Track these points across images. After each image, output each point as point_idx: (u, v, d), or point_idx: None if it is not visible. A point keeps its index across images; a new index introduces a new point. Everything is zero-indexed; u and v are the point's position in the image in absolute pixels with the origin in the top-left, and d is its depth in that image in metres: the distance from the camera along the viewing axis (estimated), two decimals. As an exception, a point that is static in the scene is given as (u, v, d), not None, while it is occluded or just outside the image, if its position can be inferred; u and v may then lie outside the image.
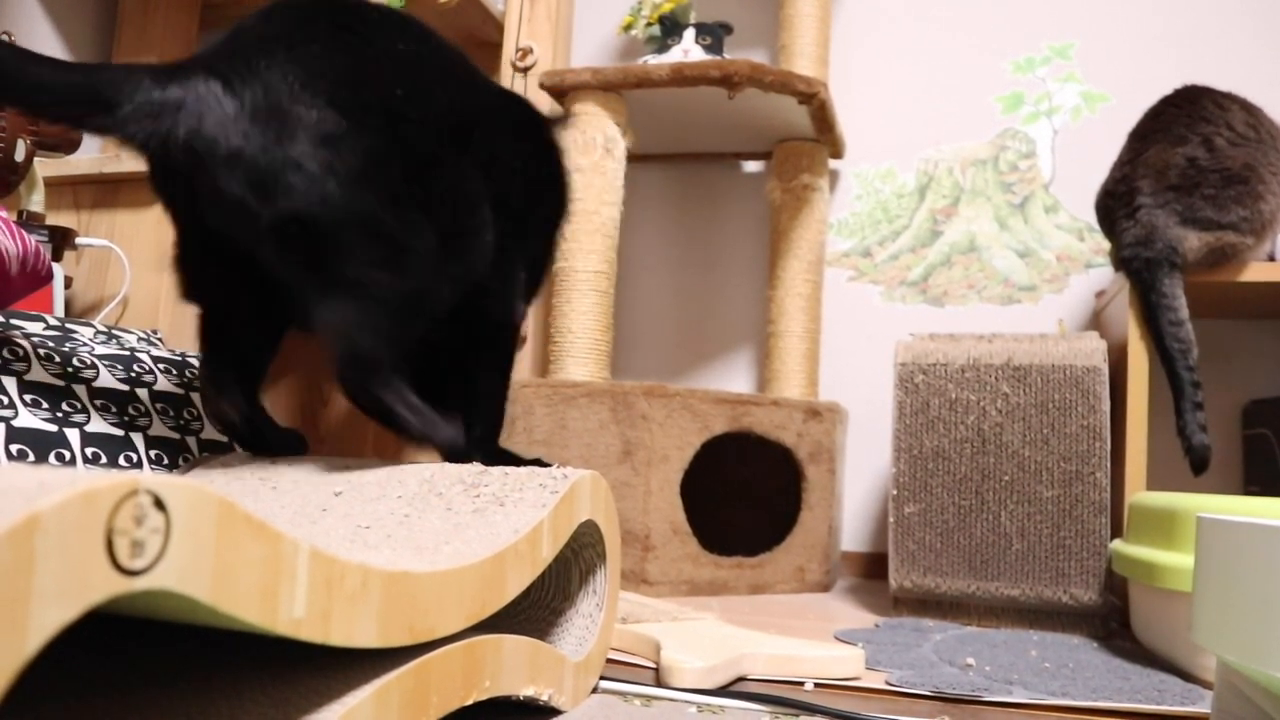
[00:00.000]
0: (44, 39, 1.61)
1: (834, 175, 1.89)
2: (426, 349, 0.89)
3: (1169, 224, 1.26)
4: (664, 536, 1.38)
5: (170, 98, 0.72)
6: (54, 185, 1.21)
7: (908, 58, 1.87)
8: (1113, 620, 1.25)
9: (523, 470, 0.73)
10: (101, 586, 0.33)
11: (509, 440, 1.46)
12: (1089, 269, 1.73)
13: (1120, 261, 1.29)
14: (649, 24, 1.69)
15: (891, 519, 1.28)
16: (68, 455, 0.82)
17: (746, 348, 1.91)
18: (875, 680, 0.88)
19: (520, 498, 0.69)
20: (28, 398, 0.82)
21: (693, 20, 1.69)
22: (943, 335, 1.33)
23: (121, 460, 0.86)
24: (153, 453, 0.90)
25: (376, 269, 0.78)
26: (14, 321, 0.94)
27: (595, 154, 1.55)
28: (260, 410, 0.87)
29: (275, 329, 0.89)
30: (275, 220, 0.74)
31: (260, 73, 0.75)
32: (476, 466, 0.75)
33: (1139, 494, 1.14)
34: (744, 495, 1.74)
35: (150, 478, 0.35)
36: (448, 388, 0.96)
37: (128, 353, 0.95)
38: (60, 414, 0.83)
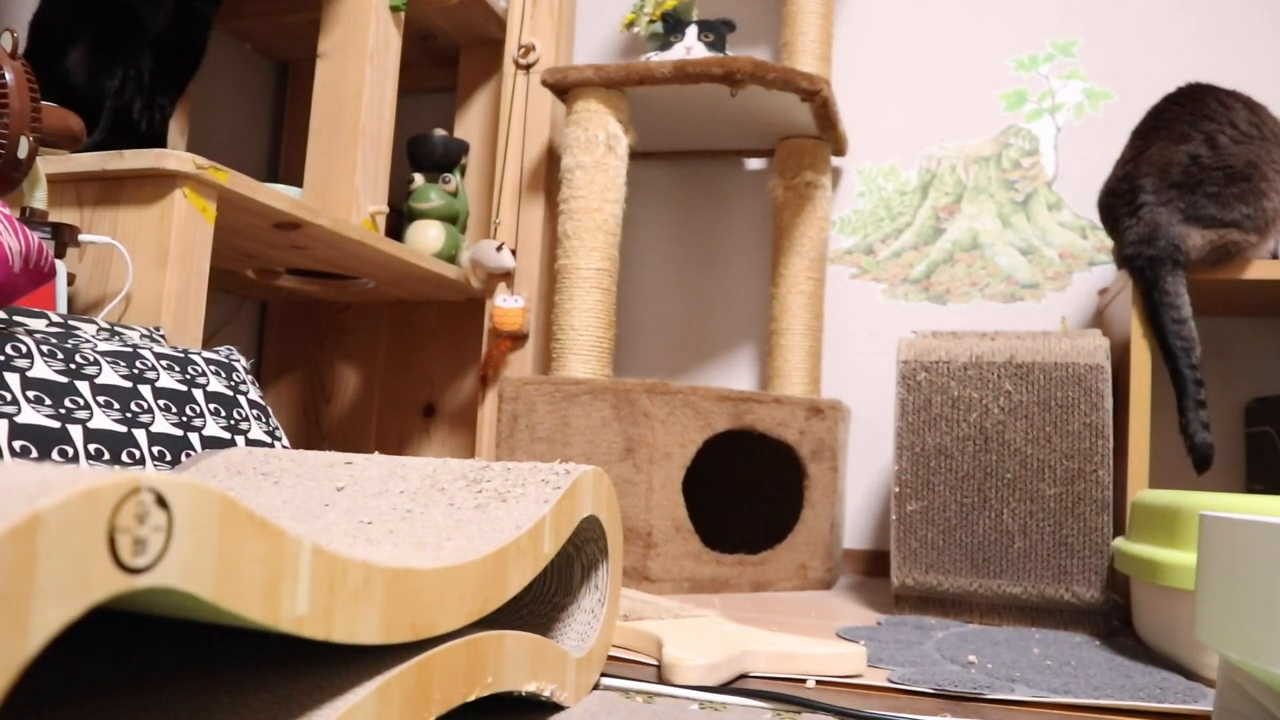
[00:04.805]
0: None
1: (836, 172, 1.89)
2: None
3: (1172, 222, 1.26)
4: (666, 534, 1.38)
5: None
6: (57, 182, 1.21)
7: (910, 55, 1.86)
8: (1115, 618, 1.25)
9: (525, 466, 0.73)
10: (104, 584, 0.33)
11: (513, 437, 1.46)
12: (1092, 267, 1.73)
13: (1123, 259, 1.29)
14: (651, 21, 1.69)
15: (893, 516, 1.28)
16: (70, 452, 0.82)
17: (749, 345, 1.91)
18: (877, 678, 0.88)
19: (523, 493, 0.69)
20: (30, 394, 0.82)
21: (695, 17, 1.69)
22: (945, 333, 1.33)
23: (124, 457, 0.87)
24: (155, 449, 0.90)
25: None
26: (17, 318, 0.94)
27: (597, 151, 1.55)
28: None
29: None
30: None
31: None
32: (479, 462, 0.76)
33: (1141, 492, 1.14)
34: (746, 493, 1.74)
35: (152, 475, 0.35)
36: None
37: (130, 349, 0.95)
38: (63, 410, 0.83)
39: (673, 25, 1.65)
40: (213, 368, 1.03)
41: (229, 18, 1.92)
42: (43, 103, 1.13)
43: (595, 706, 0.73)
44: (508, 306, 1.73)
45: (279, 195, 1.30)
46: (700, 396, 1.42)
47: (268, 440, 1.04)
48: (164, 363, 0.98)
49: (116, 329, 1.04)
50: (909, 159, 1.85)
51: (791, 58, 1.72)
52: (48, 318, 0.98)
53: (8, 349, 0.83)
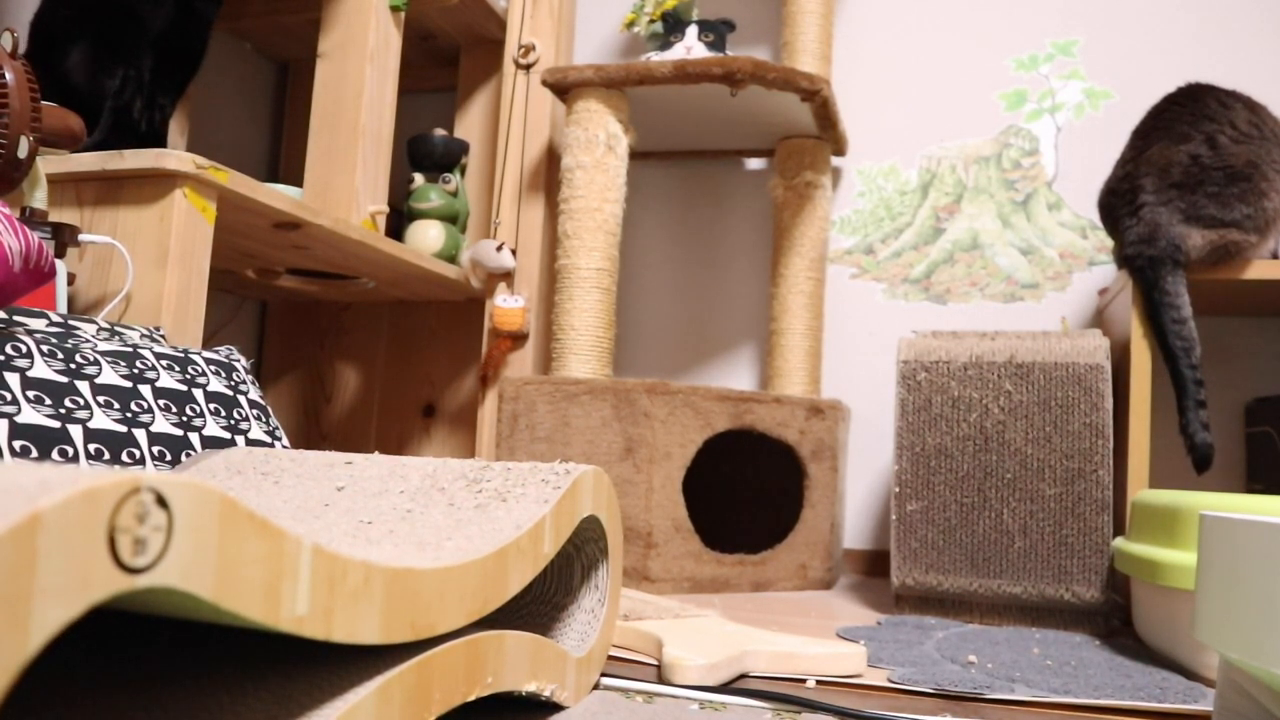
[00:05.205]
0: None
1: (837, 172, 1.89)
2: None
3: (1172, 222, 1.26)
4: (666, 534, 1.38)
5: None
6: (57, 182, 1.21)
7: (910, 54, 1.86)
8: (1115, 618, 1.25)
9: (525, 466, 0.73)
10: (104, 584, 0.33)
11: (513, 437, 1.46)
12: (1092, 266, 1.73)
13: (1123, 259, 1.29)
14: (651, 21, 1.69)
15: (894, 516, 1.28)
16: (70, 451, 0.82)
17: (749, 345, 1.91)
18: (877, 678, 0.88)
19: (523, 493, 0.69)
20: (30, 394, 0.82)
21: (695, 17, 1.69)
22: (945, 333, 1.33)
23: (124, 456, 0.87)
24: (155, 449, 0.90)
25: None
26: (17, 318, 0.94)
27: (598, 151, 1.55)
28: None
29: None
30: None
31: None
32: (479, 461, 0.76)
33: (1141, 492, 1.14)
34: (746, 493, 1.74)
35: (152, 475, 0.35)
36: None
37: (130, 349, 0.95)
38: (63, 410, 0.83)
39: (673, 25, 1.65)
40: (213, 368, 1.03)
41: (229, 18, 1.92)
42: (43, 103, 1.13)
43: (595, 706, 0.73)
44: (508, 306, 1.73)
45: (279, 195, 1.30)
46: (700, 396, 1.42)
47: (268, 440, 1.04)
48: (164, 363, 0.98)
49: (116, 329, 1.04)
50: (909, 159, 1.85)
51: (791, 58, 1.72)
52: (48, 318, 0.98)
53: (8, 349, 0.83)
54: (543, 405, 1.45)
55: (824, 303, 1.81)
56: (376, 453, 0.81)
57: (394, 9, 1.65)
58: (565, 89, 1.59)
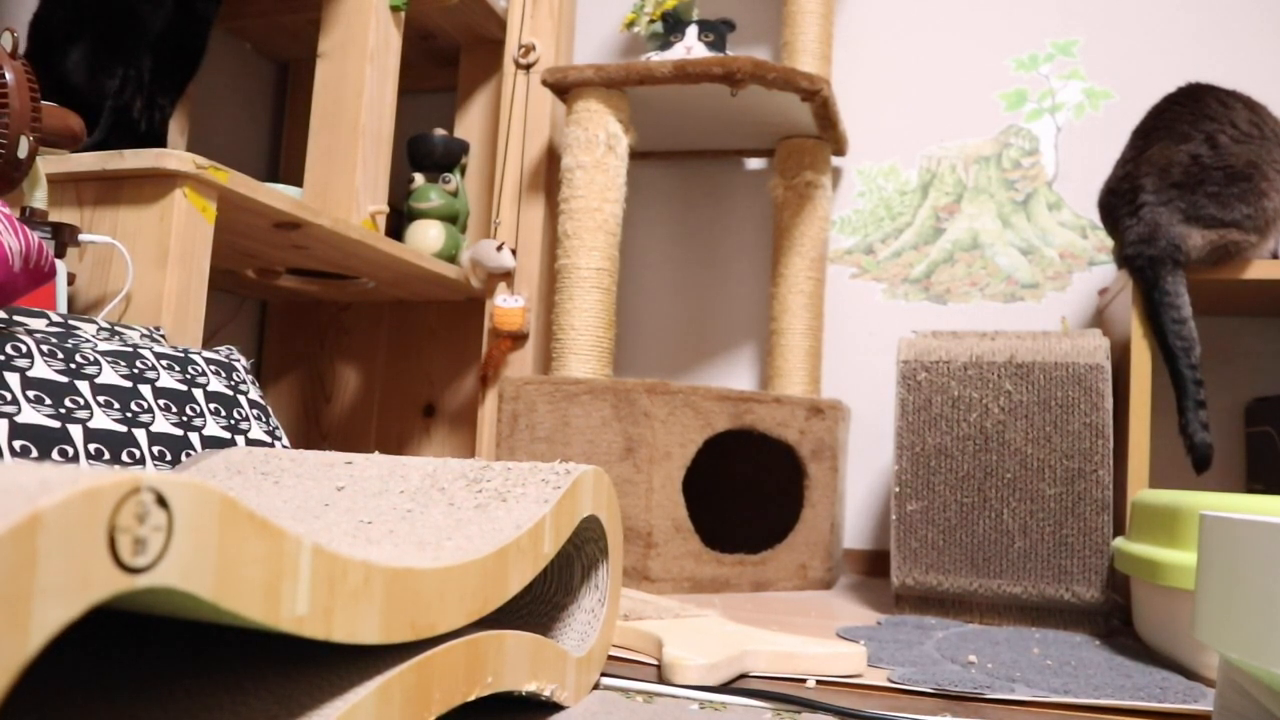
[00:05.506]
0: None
1: (837, 172, 1.89)
2: None
3: (1172, 222, 1.26)
4: (666, 534, 1.38)
5: None
6: (57, 182, 1.21)
7: (910, 54, 1.86)
8: (1115, 618, 1.25)
9: (525, 466, 0.73)
10: (104, 584, 0.33)
11: (513, 437, 1.46)
12: (1092, 266, 1.73)
13: (1123, 259, 1.29)
14: (651, 21, 1.69)
15: (894, 516, 1.28)
16: (70, 451, 0.82)
17: (749, 345, 1.91)
18: (877, 677, 0.88)
19: (523, 493, 0.69)
20: (31, 394, 0.82)
21: (695, 17, 1.69)
22: (945, 332, 1.33)
23: (124, 456, 0.87)
24: (155, 449, 0.90)
25: None
26: (17, 318, 0.94)
27: (598, 151, 1.55)
28: None
29: None
30: None
31: None
32: (480, 461, 0.76)
33: (1141, 492, 1.14)
34: (746, 492, 1.74)
35: (152, 475, 0.35)
36: None
37: (130, 349, 0.95)
38: (63, 410, 0.83)
39: (673, 25, 1.65)
40: (213, 367, 1.03)
41: (229, 18, 1.92)
42: (43, 103, 1.13)
43: (595, 706, 0.73)
44: (508, 306, 1.73)
45: (279, 195, 1.30)
46: (700, 396, 1.42)
47: (268, 440, 1.04)
48: (164, 362, 0.98)
49: (116, 329, 1.04)
50: (909, 159, 1.85)
51: (791, 58, 1.72)
52: (48, 318, 0.98)
53: (8, 349, 0.83)
54: (543, 405, 1.45)
55: (824, 303, 1.81)
56: (376, 453, 0.81)
57: (394, 9, 1.65)
58: (565, 89, 1.59)
